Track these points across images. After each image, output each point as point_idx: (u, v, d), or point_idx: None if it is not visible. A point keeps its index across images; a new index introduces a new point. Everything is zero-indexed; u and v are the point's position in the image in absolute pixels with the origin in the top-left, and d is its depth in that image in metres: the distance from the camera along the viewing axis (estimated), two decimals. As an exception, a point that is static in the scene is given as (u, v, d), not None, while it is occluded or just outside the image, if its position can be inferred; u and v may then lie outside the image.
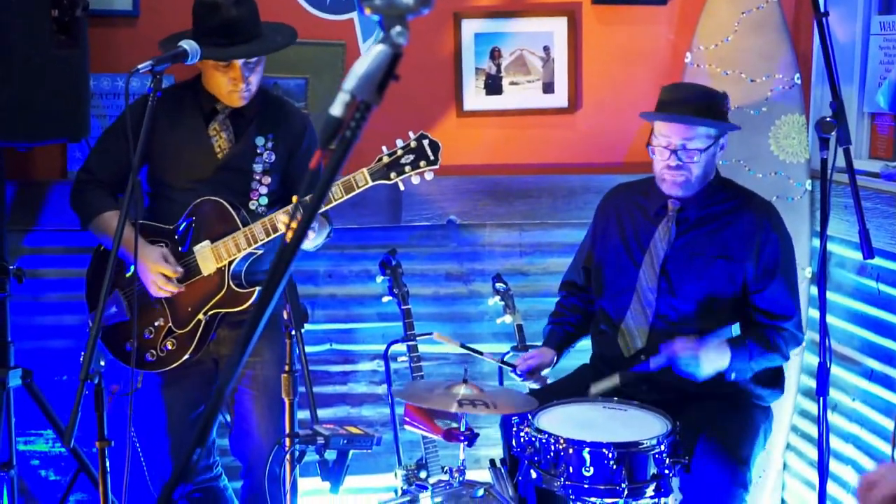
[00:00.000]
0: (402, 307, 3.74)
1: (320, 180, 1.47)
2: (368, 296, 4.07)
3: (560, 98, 4.17)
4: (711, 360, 3.28)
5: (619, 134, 4.13)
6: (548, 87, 4.16)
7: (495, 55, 4.13)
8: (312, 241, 3.38)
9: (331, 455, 2.80)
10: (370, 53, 1.45)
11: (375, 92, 1.45)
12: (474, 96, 4.13)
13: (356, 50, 4.03)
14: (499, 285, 3.88)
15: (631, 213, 3.61)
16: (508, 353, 3.71)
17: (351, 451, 2.81)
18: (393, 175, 3.22)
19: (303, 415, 3.03)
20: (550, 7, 4.13)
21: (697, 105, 3.39)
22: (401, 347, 3.74)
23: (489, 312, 4.04)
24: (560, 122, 4.18)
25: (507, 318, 3.82)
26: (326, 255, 4.01)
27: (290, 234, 2.52)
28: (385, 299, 3.82)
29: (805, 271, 3.91)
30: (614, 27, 4.16)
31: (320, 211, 3.19)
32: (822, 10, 3.38)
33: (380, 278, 3.81)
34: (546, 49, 4.14)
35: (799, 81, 3.97)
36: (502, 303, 3.85)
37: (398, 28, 1.45)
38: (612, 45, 4.17)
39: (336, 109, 1.45)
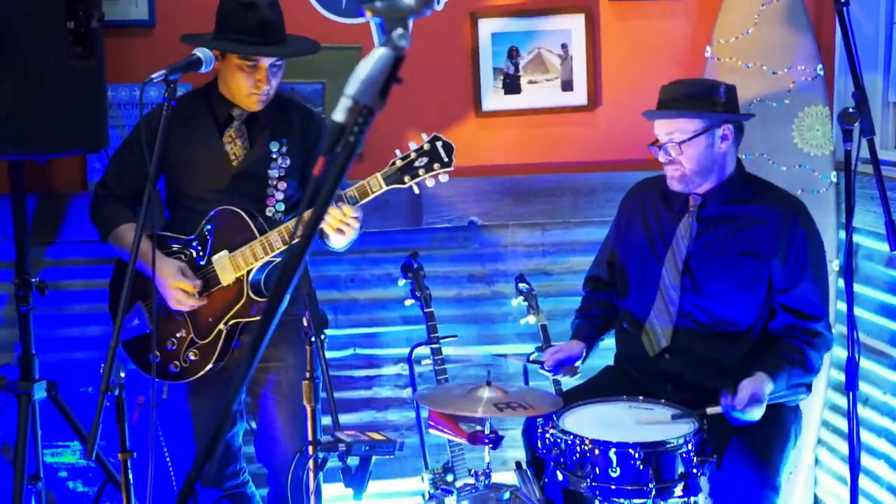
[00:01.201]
0: (425, 310, 3.72)
1: (324, 187, 1.44)
2: (391, 299, 4.06)
3: (579, 96, 4.15)
4: (765, 406, 3.23)
5: (640, 131, 4.09)
6: (566, 86, 4.14)
7: (513, 54, 4.11)
8: (345, 240, 3.34)
9: (353, 461, 2.79)
10: (372, 57, 1.43)
11: (378, 96, 1.42)
12: (493, 96, 4.12)
13: (373, 52, 4.01)
14: (522, 286, 3.86)
15: (655, 210, 3.58)
16: (533, 353, 3.68)
17: (373, 458, 2.80)
18: (407, 179, 3.18)
19: (327, 420, 3.03)
20: (568, 5, 4.10)
21: (681, 99, 3.40)
22: (425, 350, 3.73)
23: (513, 313, 4.02)
24: (580, 120, 4.16)
25: (531, 319, 3.81)
26: (348, 259, 4.00)
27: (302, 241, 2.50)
28: (408, 302, 3.81)
29: (833, 264, 3.86)
30: (632, 22, 4.14)
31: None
32: (842, -1, 3.33)
33: (402, 282, 3.80)
34: (564, 47, 4.12)
35: (822, 73, 3.92)
36: (526, 303, 3.83)
37: (399, 30, 1.43)
38: (630, 42, 4.14)
39: (339, 115, 1.43)
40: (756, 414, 3.17)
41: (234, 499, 3.64)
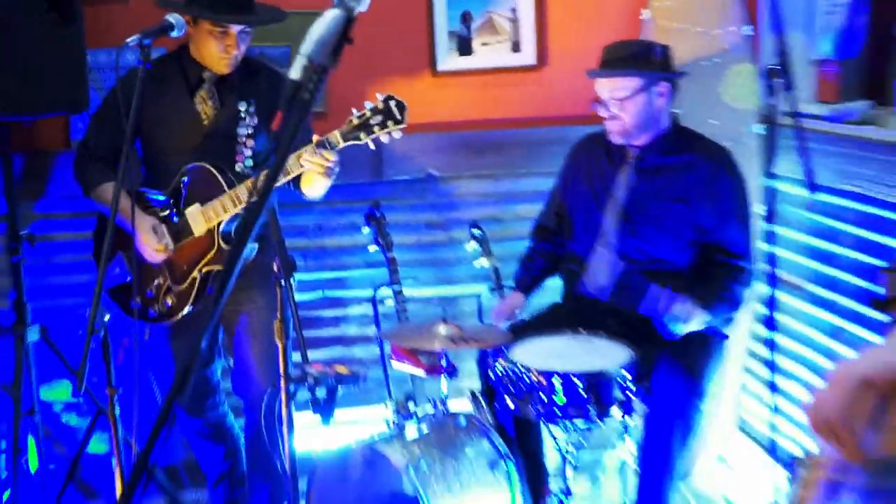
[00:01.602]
0: (387, 255, 3.73)
1: (282, 139, 1.45)
2: (356, 246, 4.06)
3: (528, 56, 4.14)
4: (692, 324, 3.29)
5: (584, 89, 4.08)
6: (516, 47, 4.13)
7: (466, 18, 4.09)
8: (323, 188, 3.35)
9: (321, 393, 2.80)
10: (325, 18, 1.44)
11: (331, 55, 1.43)
12: (448, 57, 4.11)
13: (336, 17, 3.98)
14: (475, 231, 3.87)
15: (598, 162, 3.61)
16: (485, 291, 3.72)
17: (339, 389, 2.82)
18: (363, 135, 3.18)
19: (298, 357, 3.04)
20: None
21: (621, 59, 3.43)
22: (387, 291, 3.74)
23: (467, 257, 4.02)
24: (528, 79, 4.16)
25: (484, 262, 3.82)
26: (317, 209, 4.00)
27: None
28: (371, 248, 3.80)
29: (756, 208, 3.90)
30: (576, -12, 4.13)
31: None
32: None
33: (365, 229, 3.79)
34: (513, 10, 4.10)
35: (750, 32, 3.92)
36: (479, 247, 3.84)
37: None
38: (574, 6, 4.13)
39: (295, 73, 1.44)
40: (681, 327, 3.25)
41: (214, 428, 3.66)
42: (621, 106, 3.38)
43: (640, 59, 3.42)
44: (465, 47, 4.10)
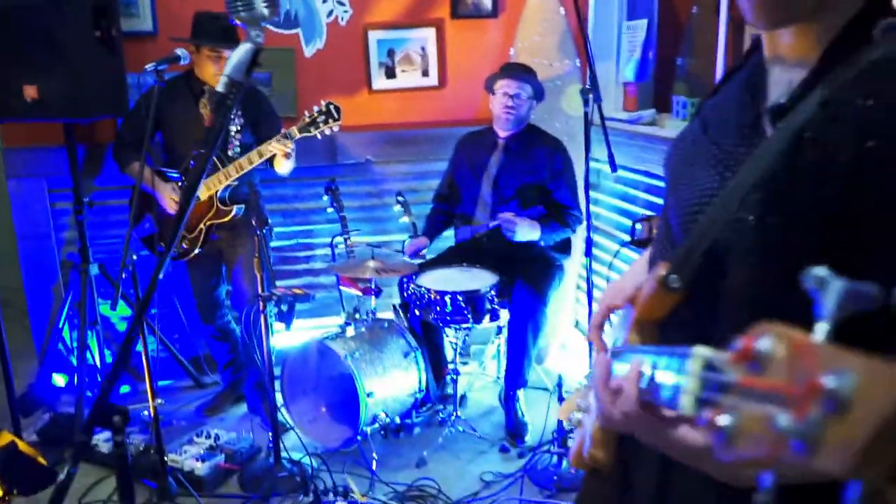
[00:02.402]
0: (340, 214, 3.68)
1: (212, 134, 1.40)
2: (319, 209, 3.98)
3: (433, 79, 4.06)
4: (525, 230, 3.30)
5: (470, 101, 4.07)
6: (425, 73, 4.05)
7: (391, 53, 4.00)
8: (288, 167, 3.25)
9: (283, 307, 2.78)
10: (241, 49, 1.38)
11: (244, 74, 1.38)
12: (379, 80, 4.01)
13: (301, 52, 3.88)
14: (399, 198, 3.83)
15: (476, 149, 3.59)
16: (406, 240, 3.69)
17: (296, 304, 2.80)
18: (312, 129, 3.11)
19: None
20: (425, 21, 3.99)
21: (523, 70, 3.42)
22: (340, 239, 3.70)
23: (395, 216, 4.00)
24: (434, 95, 4.09)
25: (406, 219, 3.78)
26: (290, 184, 3.92)
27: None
28: (329, 210, 3.75)
29: (581, 179, 3.92)
30: (466, 32, 4.03)
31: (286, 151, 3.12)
32: (584, 19, 3.32)
33: (325, 197, 3.74)
34: (423, 48, 4.02)
35: (578, 64, 3.91)
36: (402, 210, 3.81)
37: (256, 31, 1.38)
38: (464, 44, 4.06)
39: (220, 87, 1.38)
40: (520, 235, 3.27)
41: (221, 331, 3.62)
42: (517, 103, 3.35)
43: (531, 74, 3.40)
44: (390, 73, 4.02)
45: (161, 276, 1.50)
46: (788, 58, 0.83)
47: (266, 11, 1.36)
